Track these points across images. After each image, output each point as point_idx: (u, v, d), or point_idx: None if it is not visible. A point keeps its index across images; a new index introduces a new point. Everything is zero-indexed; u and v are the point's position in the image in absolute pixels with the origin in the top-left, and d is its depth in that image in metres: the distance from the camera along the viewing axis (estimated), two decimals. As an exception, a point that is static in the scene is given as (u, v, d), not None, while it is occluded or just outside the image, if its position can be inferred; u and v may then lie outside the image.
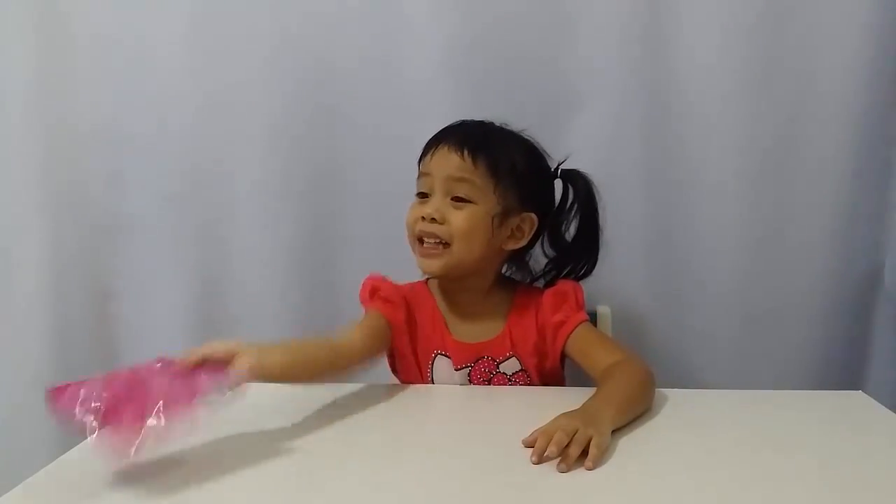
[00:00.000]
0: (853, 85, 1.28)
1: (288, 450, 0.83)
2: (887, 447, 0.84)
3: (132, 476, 0.75)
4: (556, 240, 1.15)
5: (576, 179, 1.13)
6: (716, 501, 0.71)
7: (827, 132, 1.30)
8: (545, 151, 1.13)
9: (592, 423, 0.81)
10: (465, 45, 1.31)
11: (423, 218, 1.05)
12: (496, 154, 1.06)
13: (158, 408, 0.73)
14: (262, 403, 0.97)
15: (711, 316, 1.34)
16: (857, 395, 1.01)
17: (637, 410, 0.91)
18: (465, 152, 1.05)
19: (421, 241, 1.06)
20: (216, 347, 0.85)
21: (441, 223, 1.04)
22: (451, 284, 1.10)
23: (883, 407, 0.95)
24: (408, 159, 1.31)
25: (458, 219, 1.04)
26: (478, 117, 1.14)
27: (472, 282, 1.09)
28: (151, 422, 0.72)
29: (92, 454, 0.73)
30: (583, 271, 1.15)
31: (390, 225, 1.32)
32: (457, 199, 1.05)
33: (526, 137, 1.12)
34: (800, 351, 1.34)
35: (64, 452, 0.82)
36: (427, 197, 1.07)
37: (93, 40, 1.36)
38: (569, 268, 1.15)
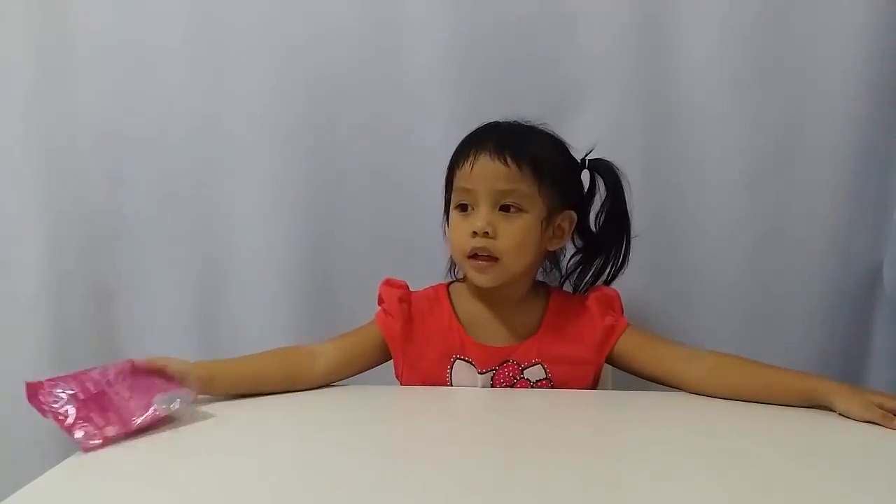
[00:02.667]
0: (854, 84, 1.27)
1: (296, 453, 0.84)
2: (891, 449, 0.83)
3: (133, 480, 0.75)
4: (586, 231, 1.15)
5: (603, 169, 1.12)
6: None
7: (827, 131, 1.29)
8: (568, 143, 1.13)
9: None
10: (466, 45, 1.31)
11: (474, 233, 1.02)
12: (537, 155, 1.04)
13: (114, 418, 0.86)
14: (265, 404, 0.99)
15: (711, 315, 1.34)
16: None
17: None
18: (509, 159, 1.02)
19: (473, 255, 1.03)
20: (172, 361, 0.94)
21: (493, 237, 1.02)
22: (490, 290, 1.07)
23: None
24: (408, 159, 1.32)
25: (511, 231, 1.02)
26: (479, 117, 1.14)
27: (513, 287, 1.08)
28: (110, 430, 0.84)
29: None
30: (617, 264, 1.14)
31: (391, 226, 1.33)
32: (505, 208, 1.03)
33: (551, 132, 1.12)
34: (799, 350, 1.33)
35: (65, 456, 0.82)
36: (469, 209, 1.04)
37: (94, 43, 1.35)
38: (601, 258, 1.14)
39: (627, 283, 1.32)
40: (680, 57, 1.30)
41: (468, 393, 1.06)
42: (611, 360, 1.08)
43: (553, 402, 1.01)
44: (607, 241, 1.13)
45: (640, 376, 1.09)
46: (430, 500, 0.71)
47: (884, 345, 1.34)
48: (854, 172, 1.30)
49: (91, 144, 1.38)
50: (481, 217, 1.02)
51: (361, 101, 1.34)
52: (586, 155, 1.14)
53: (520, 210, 1.03)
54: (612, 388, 1.19)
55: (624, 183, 1.12)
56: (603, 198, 1.13)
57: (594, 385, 1.09)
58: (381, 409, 0.98)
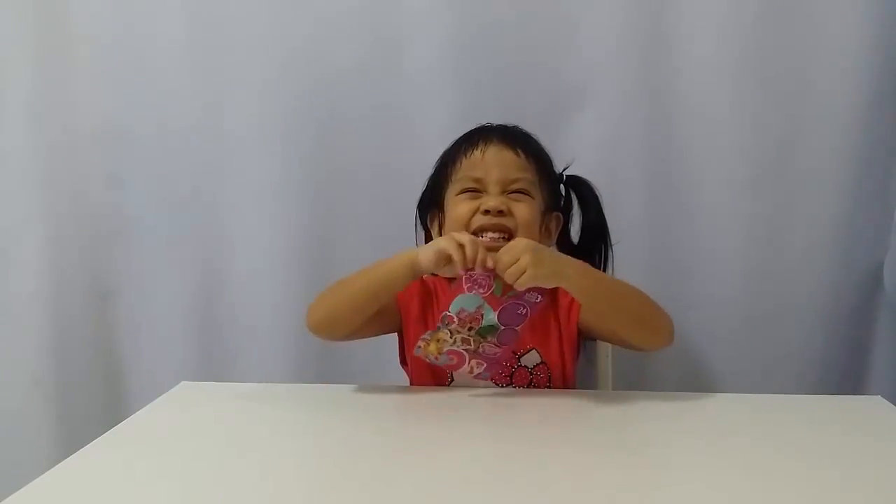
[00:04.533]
0: (854, 86, 1.27)
1: (296, 453, 0.83)
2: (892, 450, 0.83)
3: (133, 480, 0.75)
4: (567, 242, 1.18)
5: (581, 184, 1.16)
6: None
7: (827, 133, 1.30)
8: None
9: (545, 266, 0.91)
10: (465, 46, 1.31)
11: (486, 212, 1.04)
12: (538, 150, 1.11)
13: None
14: (266, 402, 0.99)
15: (711, 317, 1.34)
16: (876, 400, 0.99)
17: (612, 299, 0.99)
18: (518, 149, 1.07)
19: (479, 235, 1.04)
20: None
21: (507, 215, 1.05)
22: None
23: None
24: (408, 159, 1.31)
25: (522, 209, 1.06)
26: (478, 118, 1.15)
27: None
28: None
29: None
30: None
31: (390, 224, 1.33)
32: (515, 193, 1.06)
33: None
34: (800, 352, 1.33)
35: (65, 456, 0.81)
36: (476, 193, 1.06)
37: (94, 41, 1.36)
38: None
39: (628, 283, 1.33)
40: (680, 58, 1.30)
41: (468, 393, 1.06)
42: (581, 333, 1.09)
43: (553, 403, 1.01)
44: (588, 251, 1.16)
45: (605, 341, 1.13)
46: (430, 500, 0.71)
47: (884, 345, 1.34)
48: (854, 173, 1.31)
49: (90, 144, 1.38)
50: (495, 198, 1.05)
51: (361, 98, 1.34)
52: (564, 169, 1.17)
53: (528, 195, 1.07)
54: (613, 389, 1.18)
55: (600, 196, 1.16)
56: (580, 212, 1.17)
57: (577, 356, 1.11)
58: (380, 409, 0.98)
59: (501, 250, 0.93)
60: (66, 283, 1.40)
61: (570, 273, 0.96)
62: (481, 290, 0.94)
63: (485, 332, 0.96)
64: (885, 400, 0.99)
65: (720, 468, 0.77)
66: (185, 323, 1.41)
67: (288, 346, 1.37)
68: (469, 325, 0.96)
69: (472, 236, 0.97)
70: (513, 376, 1.07)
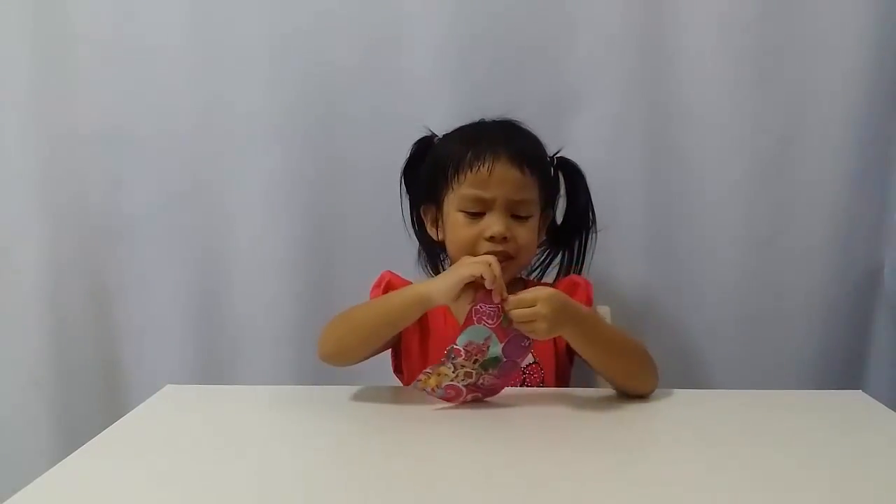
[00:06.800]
0: (853, 86, 1.28)
1: (296, 453, 0.84)
2: (888, 446, 0.83)
3: (133, 480, 0.75)
4: (552, 226, 1.18)
5: (571, 168, 1.16)
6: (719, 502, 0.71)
7: (827, 132, 1.30)
8: None
9: (559, 328, 0.92)
10: (464, 45, 1.32)
11: (491, 238, 1.04)
12: (541, 162, 1.10)
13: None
14: (265, 403, 0.99)
15: (711, 316, 1.35)
16: (858, 395, 1.01)
17: (609, 351, 0.98)
18: (525, 168, 1.06)
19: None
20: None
21: (509, 241, 1.05)
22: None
23: (883, 406, 0.94)
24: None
25: (524, 233, 1.06)
26: (477, 111, 1.15)
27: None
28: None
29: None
30: (581, 256, 1.18)
31: (390, 225, 1.33)
32: (517, 214, 1.06)
33: (532, 130, 1.15)
34: (799, 351, 1.34)
35: (65, 456, 0.81)
36: (479, 215, 1.06)
37: (93, 41, 1.35)
38: (564, 252, 1.18)
39: (629, 283, 1.33)
40: (679, 58, 1.30)
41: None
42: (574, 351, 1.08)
43: (550, 402, 1.00)
44: (569, 236, 1.17)
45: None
46: (428, 500, 0.71)
47: (884, 345, 1.35)
48: (854, 173, 1.31)
49: (90, 144, 1.38)
50: (500, 223, 1.04)
51: (361, 101, 1.35)
52: (555, 154, 1.16)
53: (529, 217, 1.07)
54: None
55: (585, 177, 1.16)
56: (567, 195, 1.17)
57: (571, 358, 1.11)
58: (377, 410, 0.98)
59: (523, 296, 0.92)
60: (66, 283, 1.40)
61: (575, 331, 0.96)
62: (490, 322, 0.93)
63: (488, 364, 0.94)
64: (865, 394, 1.00)
65: (719, 468, 0.77)
66: (185, 323, 1.41)
67: (287, 346, 1.37)
68: (475, 358, 0.93)
69: (492, 258, 0.94)
70: None
